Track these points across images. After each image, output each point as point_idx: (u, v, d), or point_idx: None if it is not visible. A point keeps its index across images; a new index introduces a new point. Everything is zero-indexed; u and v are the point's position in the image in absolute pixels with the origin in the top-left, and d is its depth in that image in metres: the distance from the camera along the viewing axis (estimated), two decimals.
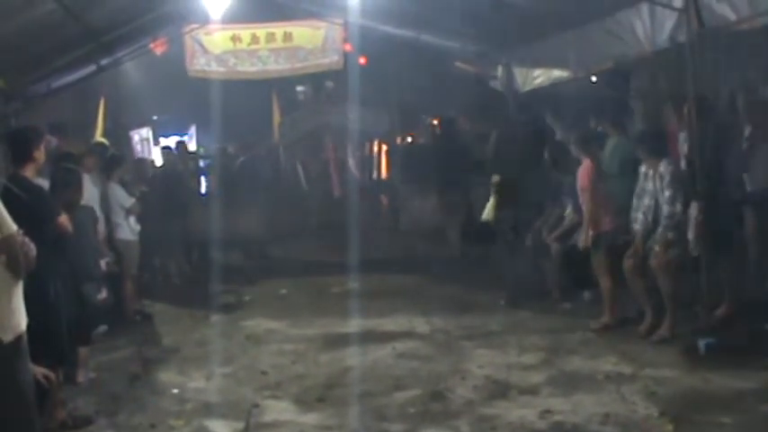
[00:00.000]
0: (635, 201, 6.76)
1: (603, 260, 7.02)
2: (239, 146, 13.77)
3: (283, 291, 9.80)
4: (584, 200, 7.02)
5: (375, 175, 16.60)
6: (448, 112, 11.99)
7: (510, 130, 9.55)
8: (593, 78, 9.06)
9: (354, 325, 7.74)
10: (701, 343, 5.99)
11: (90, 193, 7.56)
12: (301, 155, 16.03)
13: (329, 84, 15.66)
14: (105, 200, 8.10)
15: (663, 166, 6.55)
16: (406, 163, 13.69)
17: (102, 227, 7.60)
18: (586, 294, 7.85)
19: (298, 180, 15.28)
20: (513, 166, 8.67)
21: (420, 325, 7.65)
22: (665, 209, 6.48)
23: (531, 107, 9.71)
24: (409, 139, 16.01)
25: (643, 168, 6.74)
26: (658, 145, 6.77)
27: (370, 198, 14.48)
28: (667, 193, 6.47)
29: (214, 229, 11.12)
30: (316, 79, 14.86)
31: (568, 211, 7.85)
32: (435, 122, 13.90)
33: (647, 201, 6.64)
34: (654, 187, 6.60)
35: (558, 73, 8.84)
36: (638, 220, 6.70)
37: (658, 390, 5.35)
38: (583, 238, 7.06)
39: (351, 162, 15.65)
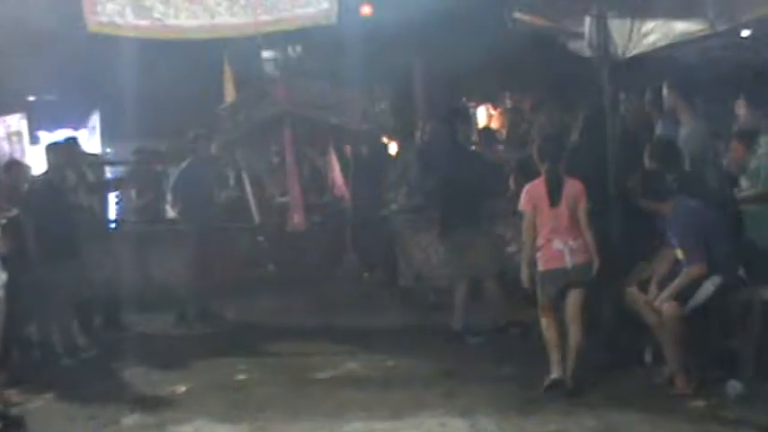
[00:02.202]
0: None
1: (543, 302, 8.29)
2: (174, 145, 13.91)
3: (241, 376, 9.71)
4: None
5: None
6: (457, 98, 12.02)
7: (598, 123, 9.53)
8: (744, 33, 9.03)
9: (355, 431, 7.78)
10: None
11: None
12: (248, 163, 15.82)
13: (296, 49, 15.56)
14: None
15: None
16: (418, 177, 13.32)
17: None
18: (733, 385, 7.70)
19: (245, 202, 15.14)
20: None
21: (460, 431, 7.66)
22: None
23: (638, 83, 9.75)
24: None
25: None
26: None
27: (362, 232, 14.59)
28: None
29: (128, 278, 11.27)
30: (293, 40, 14.94)
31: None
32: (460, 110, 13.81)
33: None
34: None
35: (683, 27, 8.74)
36: None
37: None
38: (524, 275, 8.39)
39: (334, 175, 15.54)
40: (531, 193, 8.21)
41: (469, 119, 11.26)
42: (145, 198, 13.93)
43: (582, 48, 10.02)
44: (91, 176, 12.47)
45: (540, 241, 8.17)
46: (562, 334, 8.17)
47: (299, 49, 15.70)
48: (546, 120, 11.51)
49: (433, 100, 15.01)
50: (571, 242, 8.05)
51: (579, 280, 8.11)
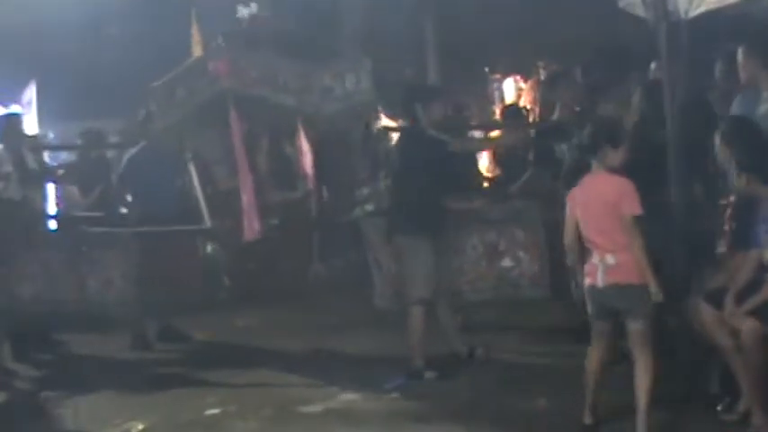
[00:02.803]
0: None
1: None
2: (130, 126, 13.88)
3: (213, 410, 9.45)
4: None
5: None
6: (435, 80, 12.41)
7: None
8: None
9: None
10: None
11: None
12: (194, 152, 15.24)
13: (249, 8, 15.41)
14: None
15: None
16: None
17: None
18: None
19: (194, 202, 14.79)
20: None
21: None
22: None
23: (705, 49, 9.62)
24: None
25: None
26: None
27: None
28: None
29: (72, 290, 11.07)
30: None
31: None
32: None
33: None
34: None
35: None
36: None
37: None
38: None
39: (304, 161, 15.30)
40: (575, 192, 7.96)
41: (434, 98, 10.97)
42: (93, 194, 13.83)
43: (634, 5, 9.74)
44: (32, 163, 12.32)
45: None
46: (607, 367, 7.89)
47: (254, 5, 15.44)
48: (568, 96, 11.35)
49: (446, 71, 14.79)
50: (608, 256, 7.64)
51: (619, 306, 7.73)
